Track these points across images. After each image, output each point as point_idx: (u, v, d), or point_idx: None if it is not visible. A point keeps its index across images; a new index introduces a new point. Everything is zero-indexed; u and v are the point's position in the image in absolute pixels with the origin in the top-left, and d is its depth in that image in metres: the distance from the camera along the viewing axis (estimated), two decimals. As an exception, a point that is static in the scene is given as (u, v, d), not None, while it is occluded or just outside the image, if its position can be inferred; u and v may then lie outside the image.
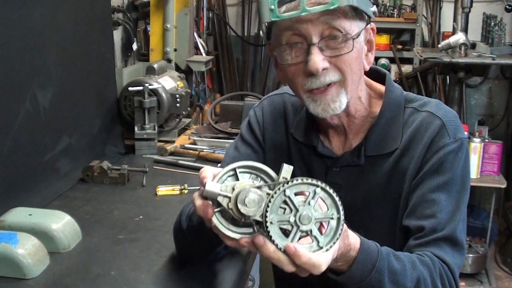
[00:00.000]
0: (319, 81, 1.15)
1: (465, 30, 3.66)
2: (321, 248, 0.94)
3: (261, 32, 1.16)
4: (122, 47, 2.92)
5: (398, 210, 1.23)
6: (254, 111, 1.42)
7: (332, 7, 1.09)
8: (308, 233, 0.94)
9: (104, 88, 2.33)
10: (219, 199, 0.96)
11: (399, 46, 4.30)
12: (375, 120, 1.26)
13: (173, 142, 2.46)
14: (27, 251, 1.31)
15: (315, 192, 0.94)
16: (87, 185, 1.95)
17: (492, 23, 3.65)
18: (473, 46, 3.76)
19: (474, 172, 3.46)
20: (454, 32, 3.76)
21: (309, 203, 0.94)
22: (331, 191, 0.94)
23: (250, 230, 0.96)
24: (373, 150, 1.25)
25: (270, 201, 0.93)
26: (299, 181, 0.93)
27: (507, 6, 3.65)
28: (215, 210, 0.97)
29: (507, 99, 4.30)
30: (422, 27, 4.20)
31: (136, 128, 2.32)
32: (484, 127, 3.78)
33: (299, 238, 0.94)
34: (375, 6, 1.19)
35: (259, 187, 0.95)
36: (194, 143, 2.43)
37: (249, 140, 1.39)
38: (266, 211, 0.92)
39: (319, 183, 0.94)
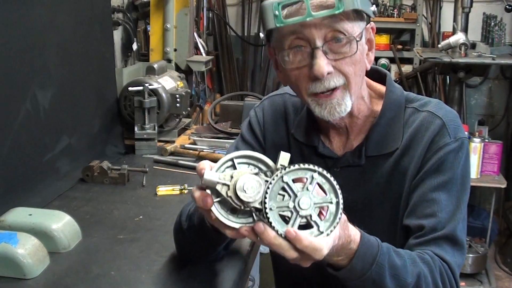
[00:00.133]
0: (323, 85, 1.15)
1: (465, 30, 3.66)
2: (322, 233, 0.94)
3: (260, 34, 1.16)
4: (122, 47, 2.92)
5: (398, 210, 1.23)
6: (254, 111, 1.43)
7: (337, 12, 1.09)
8: (308, 218, 0.94)
9: (104, 88, 2.33)
10: (218, 187, 0.96)
11: (399, 46, 4.30)
12: (375, 120, 1.26)
13: (173, 142, 2.46)
14: (27, 251, 1.31)
15: (312, 178, 0.95)
16: (87, 185, 1.95)
17: (492, 23, 3.65)
18: (473, 46, 3.76)
19: (474, 172, 3.46)
20: (454, 32, 3.76)
21: (307, 189, 0.94)
22: (328, 175, 0.95)
23: (250, 219, 0.97)
24: (374, 150, 1.25)
25: (268, 188, 0.93)
26: (296, 166, 0.94)
27: (507, 6, 3.65)
28: (214, 200, 0.97)
29: (507, 99, 4.30)
30: (422, 27, 4.20)
31: (136, 128, 2.32)
32: (484, 127, 3.78)
33: (299, 225, 0.94)
34: (374, 5, 1.20)
35: (257, 174, 0.95)
36: (194, 143, 2.43)
37: (249, 140, 1.39)
38: (265, 198, 0.93)
39: (316, 168, 0.95)
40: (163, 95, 2.37)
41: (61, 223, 1.47)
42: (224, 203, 0.98)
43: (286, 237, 0.93)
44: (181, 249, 1.38)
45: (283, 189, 0.94)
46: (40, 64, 1.84)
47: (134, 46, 2.95)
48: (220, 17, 4.41)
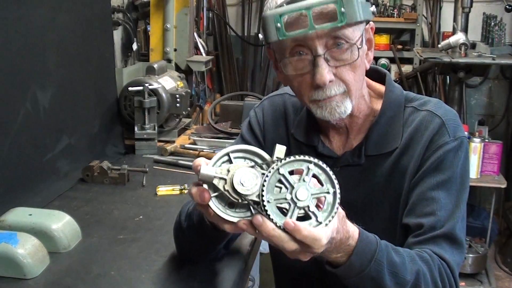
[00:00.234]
0: (325, 93, 1.16)
1: (465, 30, 3.66)
2: (320, 223, 0.95)
3: (259, 35, 1.16)
4: (122, 47, 2.92)
5: (398, 208, 1.24)
6: (254, 112, 1.43)
7: (340, 25, 1.10)
8: (306, 210, 0.95)
9: (104, 88, 2.33)
10: (215, 181, 0.96)
11: (399, 46, 4.30)
12: (375, 120, 1.27)
13: (173, 142, 2.46)
14: (27, 251, 1.31)
15: (308, 169, 0.95)
16: (87, 185, 1.95)
17: (492, 23, 3.65)
18: (473, 46, 3.76)
19: (474, 172, 3.46)
20: (454, 32, 3.76)
21: (303, 180, 0.95)
22: (324, 166, 0.96)
23: (248, 213, 0.97)
24: (374, 150, 1.26)
25: (265, 181, 0.94)
26: (292, 158, 0.95)
27: (507, 6, 3.65)
28: (212, 195, 0.97)
29: (507, 99, 4.30)
30: (422, 27, 4.20)
31: (136, 128, 2.32)
32: (484, 127, 3.78)
33: (298, 216, 0.95)
34: (373, 6, 1.20)
35: (253, 167, 0.96)
36: (194, 143, 2.43)
37: (249, 140, 1.39)
38: (262, 191, 0.93)
39: (311, 158, 0.95)
40: (163, 95, 2.37)
41: (61, 223, 1.47)
42: (222, 198, 0.98)
43: (285, 229, 0.93)
44: (181, 248, 1.38)
45: (280, 181, 0.95)
46: (40, 64, 1.84)
47: (134, 46, 2.95)
48: (220, 17, 4.42)
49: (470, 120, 4.25)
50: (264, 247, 1.97)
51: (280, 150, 0.96)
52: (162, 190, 1.89)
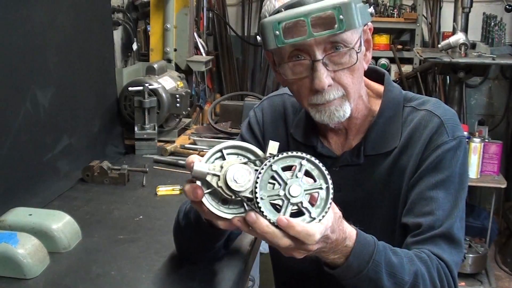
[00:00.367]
0: (324, 98, 1.17)
1: (465, 30, 3.66)
2: (314, 219, 0.95)
3: (258, 37, 1.15)
4: (122, 47, 2.92)
5: (397, 208, 1.24)
6: (254, 112, 1.43)
7: (338, 32, 1.10)
8: (299, 206, 0.95)
9: (104, 88, 2.33)
10: (208, 178, 0.96)
11: (399, 46, 4.30)
12: (374, 120, 1.27)
13: (173, 142, 2.46)
14: (27, 251, 1.31)
15: (301, 165, 0.95)
16: (87, 185, 1.95)
17: (492, 23, 3.66)
18: (473, 46, 3.76)
19: (474, 172, 3.46)
20: (454, 32, 3.76)
21: (296, 176, 0.95)
22: (317, 161, 0.96)
23: (241, 210, 0.97)
24: (373, 149, 1.26)
25: (258, 177, 0.94)
26: (284, 154, 0.95)
27: (507, 6, 3.65)
28: (205, 191, 0.97)
29: (507, 99, 4.30)
30: (422, 27, 4.20)
31: (136, 128, 2.32)
32: (484, 127, 3.78)
33: (291, 212, 0.95)
34: (371, 7, 1.20)
35: (246, 163, 0.96)
36: (194, 143, 2.43)
37: (249, 140, 1.39)
38: (255, 187, 0.93)
39: (304, 154, 0.95)
40: (163, 95, 2.37)
41: (61, 223, 1.47)
42: (215, 195, 0.98)
43: (278, 226, 0.93)
44: (180, 247, 1.38)
45: (273, 177, 0.95)
46: (40, 64, 1.84)
47: (134, 46, 2.95)
48: (220, 17, 4.42)
49: (470, 120, 4.25)
50: (264, 247, 1.97)
51: (273, 146, 0.97)
52: (162, 190, 1.89)
